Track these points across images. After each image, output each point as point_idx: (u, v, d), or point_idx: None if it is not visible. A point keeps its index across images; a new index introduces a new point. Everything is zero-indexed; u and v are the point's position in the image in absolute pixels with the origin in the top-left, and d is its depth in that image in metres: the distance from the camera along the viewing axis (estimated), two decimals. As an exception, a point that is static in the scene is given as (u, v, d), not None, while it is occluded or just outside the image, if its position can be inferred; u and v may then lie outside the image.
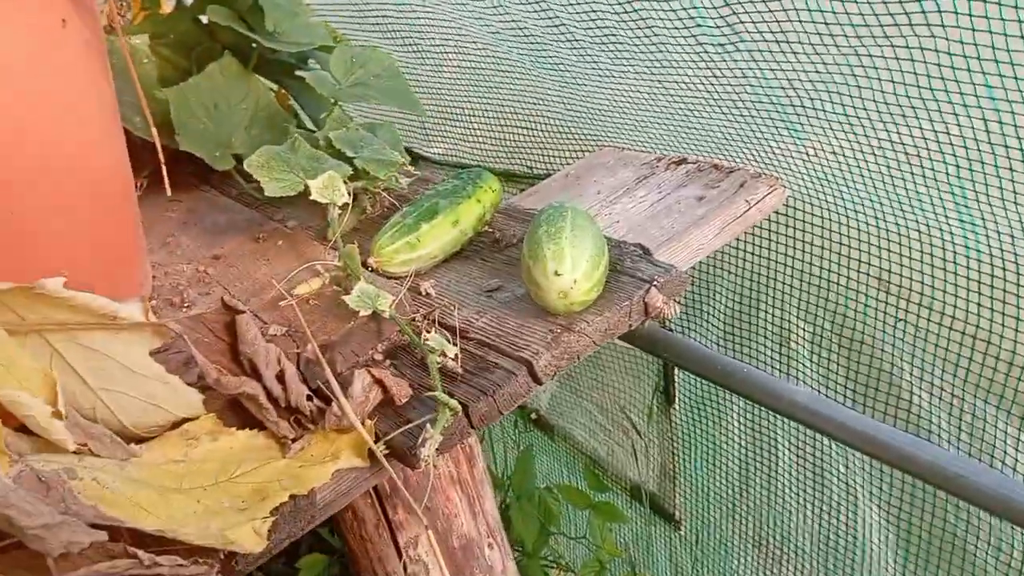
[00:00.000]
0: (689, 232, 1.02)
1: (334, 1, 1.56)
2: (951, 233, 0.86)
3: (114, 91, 0.93)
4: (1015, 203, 0.76)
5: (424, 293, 0.96)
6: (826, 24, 0.77)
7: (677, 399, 1.41)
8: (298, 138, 1.04)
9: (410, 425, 0.77)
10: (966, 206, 0.81)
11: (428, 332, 0.86)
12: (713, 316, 1.24)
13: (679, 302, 0.89)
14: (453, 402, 0.76)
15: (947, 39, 0.69)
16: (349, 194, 0.98)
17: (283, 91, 1.55)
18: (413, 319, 0.91)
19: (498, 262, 1.01)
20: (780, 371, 1.16)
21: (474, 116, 1.53)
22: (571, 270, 0.82)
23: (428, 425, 0.75)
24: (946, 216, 0.85)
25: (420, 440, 0.74)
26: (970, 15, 0.65)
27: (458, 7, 1.23)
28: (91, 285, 0.86)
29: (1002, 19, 0.63)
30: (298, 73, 1.43)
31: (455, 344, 0.84)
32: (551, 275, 0.82)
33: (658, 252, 0.98)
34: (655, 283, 0.87)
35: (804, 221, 1.05)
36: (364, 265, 0.98)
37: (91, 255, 0.88)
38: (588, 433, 1.72)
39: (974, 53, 0.68)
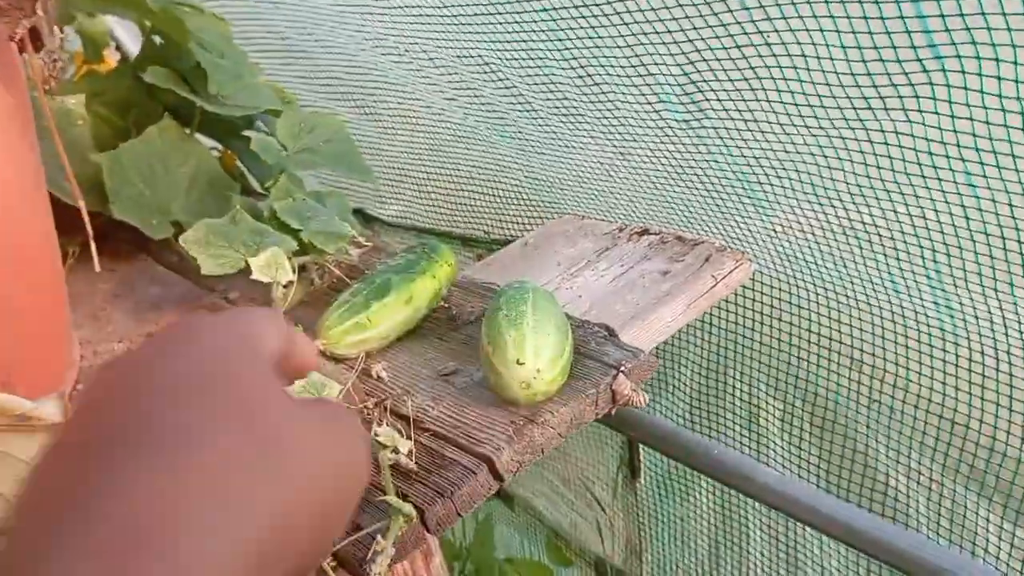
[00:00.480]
0: (655, 309, 0.97)
1: (283, 61, 1.51)
2: (926, 315, 0.83)
3: (39, 160, 0.87)
4: (995, 290, 0.73)
5: (376, 376, 0.90)
6: (796, 105, 0.74)
7: (642, 472, 1.36)
8: (239, 210, 0.98)
9: (360, 533, 0.70)
10: (943, 290, 0.78)
11: (380, 424, 0.80)
12: (679, 390, 1.19)
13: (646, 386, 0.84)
14: (407, 507, 0.70)
15: (924, 125, 0.66)
16: (294, 271, 0.92)
17: (229, 152, 1.48)
18: (364, 408, 0.85)
19: (454, 341, 0.96)
20: (750, 448, 1.12)
21: (429, 179, 1.48)
22: (534, 359, 0.77)
23: (379, 536, 0.68)
24: (921, 298, 0.82)
25: (371, 553, 0.68)
26: (949, 102, 0.63)
27: (411, 72, 1.19)
28: (8, 376, 0.79)
29: (984, 107, 0.61)
30: (245, 133, 1.37)
31: (409, 438, 0.78)
32: (512, 364, 0.77)
33: (623, 331, 0.94)
34: (623, 369, 0.83)
35: (772, 296, 1.01)
36: (311, 348, 0.91)
37: (10, 343, 0.81)
38: (550, 504, 1.66)
39: (953, 140, 0.65)
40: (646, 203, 1.09)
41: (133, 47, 1.80)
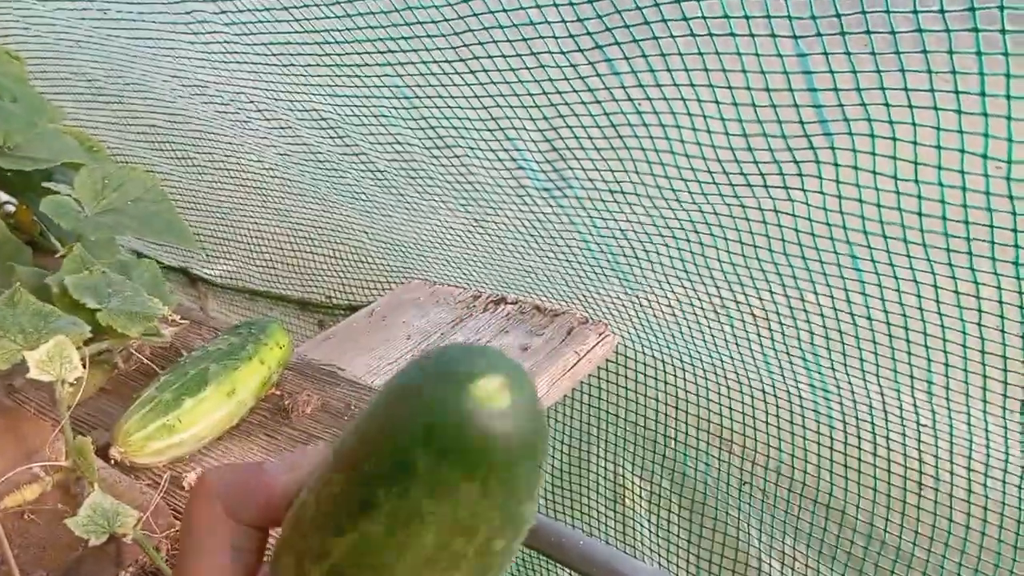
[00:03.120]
0: (515, 392, 0.88)
1: (91, 106, 1.33)
2: (800, 397, 0.79)
3: None
4: (876, 375, 0.69)
5: (188, 488, 0.75)
6: (667, 179, 0.68)
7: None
8: (18, 289, 0.81)
9: None
10: (819, 373, 0.74)
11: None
12: (539, 470, 1.10)
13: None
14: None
15: (807, 204, 0.62)
16: (84, 364, 0.76)
17: (24, 207, 1.28)
18: (170, 533, 0.70)
19: (285, 438, 0.82)
20: (615, 531, 1.04)
21: (262, 239, 1.34)
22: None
23: None
24: (796, 380, 0.77)
25: None
26: (837, 181, 0.58)
27: (238, 124, 1.06)
28: None
29: (876, 188, 0.57)
30: (45, 185, 1.19)
31: None
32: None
33: (481, 419, 0.83)
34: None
35: (636, 371, 0.95)
36: (104, 456, 0.75)
37: None
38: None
39: (839, 221, 0.61)
40: (502, 271, 1.01)
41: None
